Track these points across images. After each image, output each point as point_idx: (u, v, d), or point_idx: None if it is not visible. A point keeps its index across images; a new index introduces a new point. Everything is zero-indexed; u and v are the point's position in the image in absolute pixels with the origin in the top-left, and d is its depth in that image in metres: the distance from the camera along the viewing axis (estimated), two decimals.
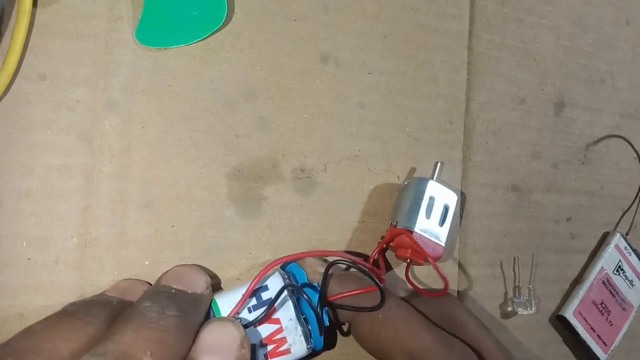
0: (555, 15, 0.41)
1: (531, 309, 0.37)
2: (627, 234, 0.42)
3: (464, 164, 0.37)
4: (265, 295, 0.27)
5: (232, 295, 0.27)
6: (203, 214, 0.30)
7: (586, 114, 0.42)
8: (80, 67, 0.29)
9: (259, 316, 0.26)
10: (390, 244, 0.33)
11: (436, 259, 0.32)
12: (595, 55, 0.43)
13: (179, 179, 0.30)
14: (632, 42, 0.45)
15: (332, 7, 0.34)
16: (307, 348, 0.27)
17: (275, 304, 0.26)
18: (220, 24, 0.31)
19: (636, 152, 0.44)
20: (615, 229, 0.43)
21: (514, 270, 0.38)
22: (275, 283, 0.27)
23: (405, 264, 0.34)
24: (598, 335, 0.39)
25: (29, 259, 0.27)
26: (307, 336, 0.27)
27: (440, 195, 0.33)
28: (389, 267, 0.35)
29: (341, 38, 0.34)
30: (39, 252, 0.27)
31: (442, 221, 0.33)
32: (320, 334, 0.27)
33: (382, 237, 0.34)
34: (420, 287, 0.35)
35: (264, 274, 0.27)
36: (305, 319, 0.27)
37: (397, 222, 0.33)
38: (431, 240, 0.32)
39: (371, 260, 0.32)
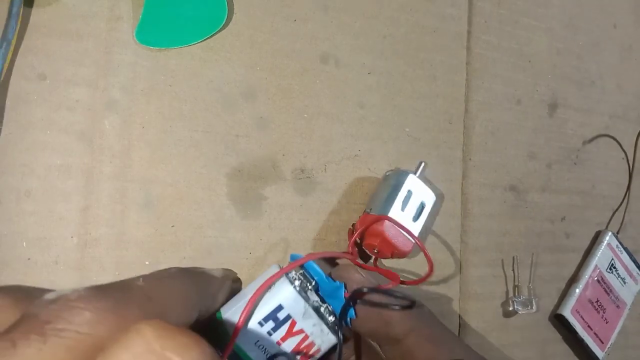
0: (549, 17, 0.42)
1: (531, 308, 0.38)
2: (617, 233, 0.43)
3: (464, 164, 0.37)
4: (282, 314, 0.25)
5: (236, 305, 0.26)
6: (203, 214, 0.30)
7: (578, 115, 0.43)
8: (80, 67, 0.28)
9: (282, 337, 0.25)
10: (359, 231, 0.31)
11: (405, 254, 0.32)
12: (585, 57, 0.44)
13: (179, 179, 0.30)
14: (620, 45, 0.46)
15: (332, 7, 0.34)
16: (339, 337, 0.26)
17: (293, 317, 0.25)
18: (220, 25, 0.31)
19: (625, 152, 0.45)
20: (606, 227, 0.43)
21: (513, 270, 0.39)
22: (284, 291, 0.26)
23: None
24: (595, 333, 0.40)
25: (29, 259, 0.27)
26: (335, 328, 0.26)
27: (418, 192, 0.32)
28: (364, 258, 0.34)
29: (341, 38, 0.34)
30: (39, 252, 0.27)
31: (416, 218, 0.32)
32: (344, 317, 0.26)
33: (353, 225, 0.33)
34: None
35: (267, 285, 0.25)
36: (327, 308, 0.26)
37: (370, 209, 0.32)
38: (402, 234, 0.31)
39: (350, 251, 0.31)
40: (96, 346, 0.16)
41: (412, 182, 0.32)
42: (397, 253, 0.31)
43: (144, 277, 0.20)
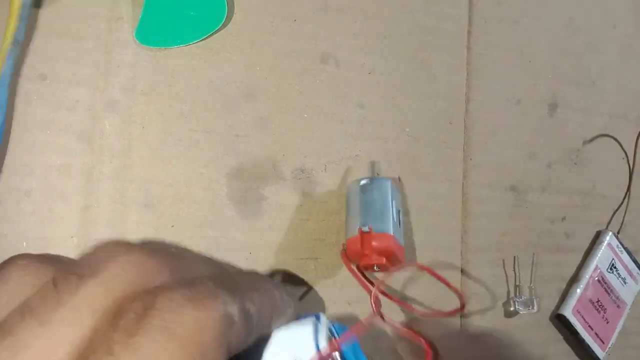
0: (549, 17, 0.42)
1: (533, 308, 0.38)
2: (618, 233, 0.43)
3: (464, 164, 0.37)
4: None
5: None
6: (203, 214, 0.30)
7: (578, 115, 0.43)
8: (80, 67, 0.28)
9: None
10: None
11: (402, 263, 0.31)
12: (585, 57, 0.44)
13: (179, 179, 0.30)
14: (619, 45, 0.46)
15: (332, 7, 0.34)
16: None
17: None
18: (220, 24, 0.31)
19: (625, 152, 0.45)
20: (607, 227, 0.43)
21: (514, 270, 0.38)
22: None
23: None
24: (596, 334, 0.40)
25: None
26: None
27: (396, 197, 0.31)
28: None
29: (341, 38, 0.34)
30: (39, 252, 0.27)
31: (399, 222, 0.31)
32: None
33: (344, 247, 0.31)
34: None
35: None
36: None
37: (367, 227, 0.30)
38: (400, 245, 0.30)
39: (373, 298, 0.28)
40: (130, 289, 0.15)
41: (393, 190, 0.31)
42: (396, 264, 0.30)
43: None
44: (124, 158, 0.29)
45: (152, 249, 0.17)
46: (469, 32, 0.38)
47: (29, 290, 0.15)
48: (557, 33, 0.42)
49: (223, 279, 0.18)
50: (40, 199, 0.27)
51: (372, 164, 0.33)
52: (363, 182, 0.31)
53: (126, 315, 0.15)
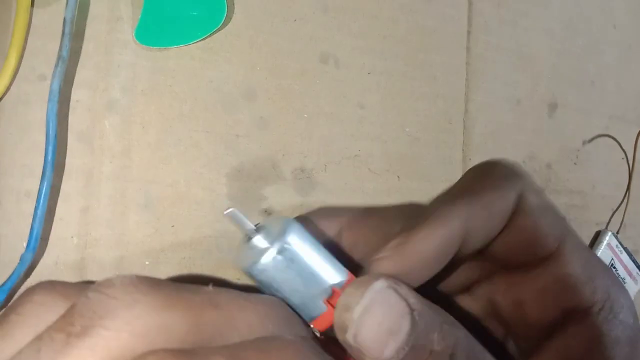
0: (548, 17, 0.42)
1: None
2: (617, 233, 0.43)
3: (464, 164, 0.38)
4: None
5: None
6: (203, 214, 0.30)
7: (578, 115, 0.43)
8: (80, 67, 0.28)
9: None
10: None
11: None
12: (585, 57, 0.44)
13: (179, 179, 0.30)
14: (619, 46, 0.46)
15: (332, 7, 0.34)
16: None
17: None
18: (220, 24, 0.31)
19: (625, 152, 0.45)
20: (606, 227, 0.43)
21: None
22: None
23: None
24: None
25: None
26: None
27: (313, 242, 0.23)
28: None
29: (341, 38, 0.34)
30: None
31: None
32: None
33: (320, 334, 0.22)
34: None
35: None
36: None
37: (332, 289, 0.21)
38: None
39: None
40: (129, 349, 0.14)
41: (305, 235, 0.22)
42: None
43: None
44: (124, 158, 0.29)
45: (175, 297, 0.15)
46: (468, 32, 0.38)
47: (31, 336, 0.14)
48: (557, 33, 0.42)
49: (239, 350, 0.15)
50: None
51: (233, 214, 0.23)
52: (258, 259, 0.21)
53: None
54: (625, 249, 0.43)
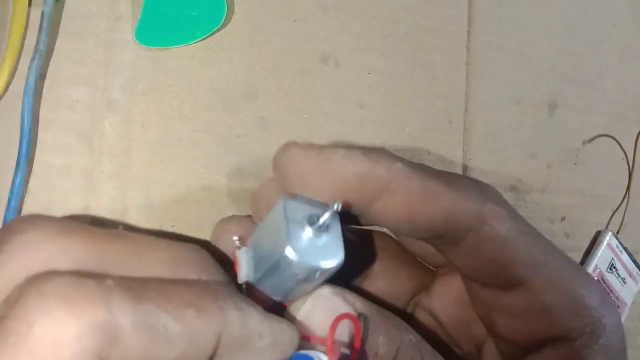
0: (549, 17, 0.42)
1: None
2: (618, 233, 0.43)
3: (464, 164, 0.38)
4: None
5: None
6: (203, 214, 0.30)
7: (578, 115, 0.43)
8: (80, 67, 0.28)
9: None
10: None
11: None
12: (585, 57, 0.44)
13: (179, 179, 0.30)
14: (619, 45, 0.46)
15: (332, 7, 0.34)
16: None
17: None
18: (220, 24, 0.31)
19: (625, 152, 0.45)
20: (606, 227, 0.43)
21: None
22: None
23: None
24: None
25: None
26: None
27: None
28: None
29: (341, 38, 0.34)
30: None
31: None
32: None
33: None
34: None
35: None
36: None
37: None
38: None
39: None
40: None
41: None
42: None
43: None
44: (124, 158, 0.29)
45: (76, 226, 0.14)
46: (469, 32, 0.38)
47: None
48: (557, 33, 0.42)
49: (139, 280, 0.14)
50: (40, 199, 0.27)
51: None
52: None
53: None
54: (625, 249, 0.43)
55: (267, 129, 0.32)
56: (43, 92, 0.28)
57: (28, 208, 0.27)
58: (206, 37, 0.31)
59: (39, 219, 0.14)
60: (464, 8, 0.38)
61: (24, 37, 0.27)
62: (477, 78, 0.38)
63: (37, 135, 0.27)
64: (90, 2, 0.29)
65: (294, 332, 0.17)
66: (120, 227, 0.17)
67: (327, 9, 0.34)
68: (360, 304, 0.19)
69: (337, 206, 0.18)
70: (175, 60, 0.30)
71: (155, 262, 0.16)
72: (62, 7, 0.28)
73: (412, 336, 0.19)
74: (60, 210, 0.27)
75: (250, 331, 0.16)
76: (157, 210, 0.29)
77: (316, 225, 0.18)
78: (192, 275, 0.16)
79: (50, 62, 0.28)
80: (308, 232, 0.18)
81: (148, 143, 0.29)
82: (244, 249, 0.21)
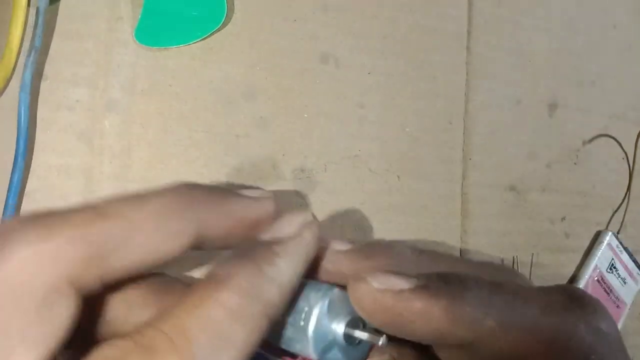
0: (549, 17, 0.42)
1: None
2: (618, 233, 0.43)
3: (464, 164, 0.37)
4: None
5: None
6: None
7: (578, 115, 0.43)
8: (80, 67, 0.28)
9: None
10: None
11: None
12: (585, 57, 0.44)
13: (179, 179, 0.30)
14: (619, 46, 0.46)
15: (332, 7, 0.34)
16: None
17: None
18: (220, 24, 0.31)
19: (625, 152, 0.45)
20: (607, 227, 0.43)
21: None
22: None
23: None
24: None
25: None
26: None
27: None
28: None
29: (341, 38, 0.34)
30: None
31: None
32: None
33: None
34: None
35: None
36: None
37: None
38: None
39: None
40: None
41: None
42: None
43: None
44: (124, 158, 0.29)
45: (52, 224, 0.14)
46: (468, 32, 0.38)
47: None
48: (557, 33, 0.42)
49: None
50: (40, 199, 0.27)
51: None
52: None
53: None
54: (625, 249, 0.43)
55: (267, 129, 0.32)
56: (43, 93, 0.28)
57: (28, 208, 0.27)
58: (206, 37, 0.31)
59: (11, 225, 0.14)
60: (464, 8, 0.38)
61: (22, 37, 0.27)
62: (477, 78, 0.38)
63: (37, 135, 0.27)
64: (90, 3, 0.29)
65: None
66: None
67: (327, 9, 0.34)
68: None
69: (383, 342, 0.17)
70: (175, 60, 0.30)
71: (150, 229, 0.16)
72: (57, 7, 0.28)
73: None
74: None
75: None
76: None
77: (349, 339, 0.18)
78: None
79: (51, 63, 0.28)
80: (339, 340, 0.18)
81: (148, 143, 0.29)
82: None
